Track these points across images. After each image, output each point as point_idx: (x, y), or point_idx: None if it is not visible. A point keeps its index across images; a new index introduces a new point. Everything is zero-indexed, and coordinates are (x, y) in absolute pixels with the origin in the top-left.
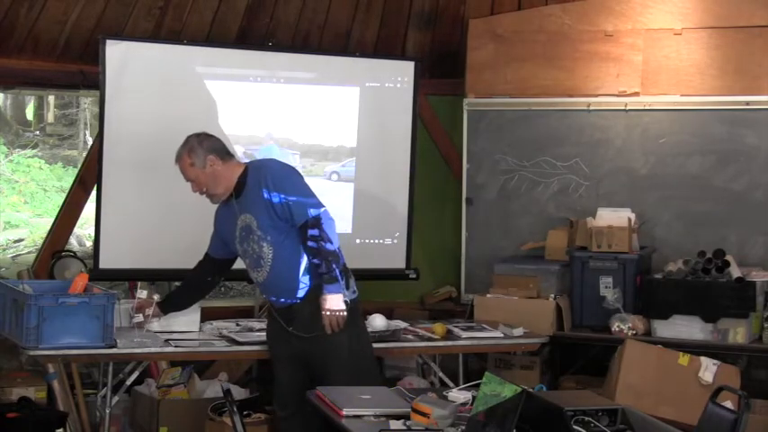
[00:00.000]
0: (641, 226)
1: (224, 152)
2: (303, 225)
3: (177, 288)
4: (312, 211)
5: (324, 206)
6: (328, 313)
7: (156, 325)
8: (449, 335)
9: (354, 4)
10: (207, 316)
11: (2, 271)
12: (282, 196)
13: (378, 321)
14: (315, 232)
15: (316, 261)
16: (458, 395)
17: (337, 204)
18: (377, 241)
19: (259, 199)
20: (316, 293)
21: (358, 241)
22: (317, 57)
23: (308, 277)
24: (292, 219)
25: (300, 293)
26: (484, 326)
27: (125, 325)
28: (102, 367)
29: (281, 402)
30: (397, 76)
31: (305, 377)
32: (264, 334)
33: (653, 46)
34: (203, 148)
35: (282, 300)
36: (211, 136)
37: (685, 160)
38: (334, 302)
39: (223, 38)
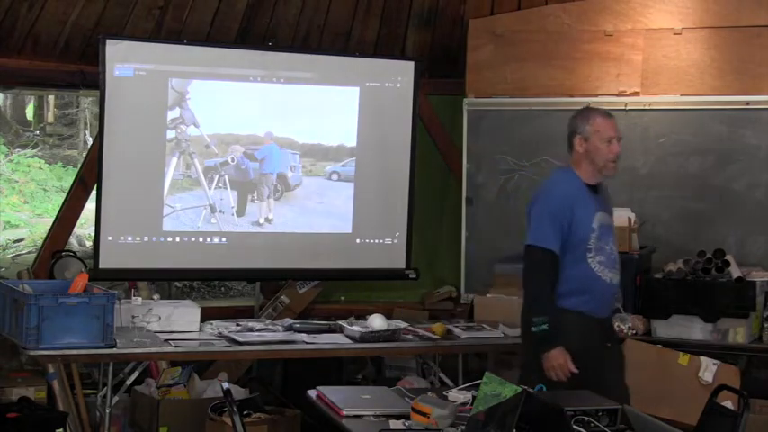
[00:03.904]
0: (641, 226)
1: None
2: None
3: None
4: None
5: None
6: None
7: (155, 325)
8: (449, 335)
9: (354, 4)
10: (207, 316)
11: (2, 271)
12: None
13: (378, 321)
14: None
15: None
16: (458, 395)
17: (337, 204)
18: (377, 241)
19: (612, 210)
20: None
21: (358, 241)
22: (317, 57)
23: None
24: None
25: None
26: (484, 326)
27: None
28: (102, 367)
29: None
30: (397, 76)
31: None
32: (264, 335)
33: (653, 46)
34: None
35: (607, 310)
36: None
37: (685, 160)
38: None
39: (223, 38)
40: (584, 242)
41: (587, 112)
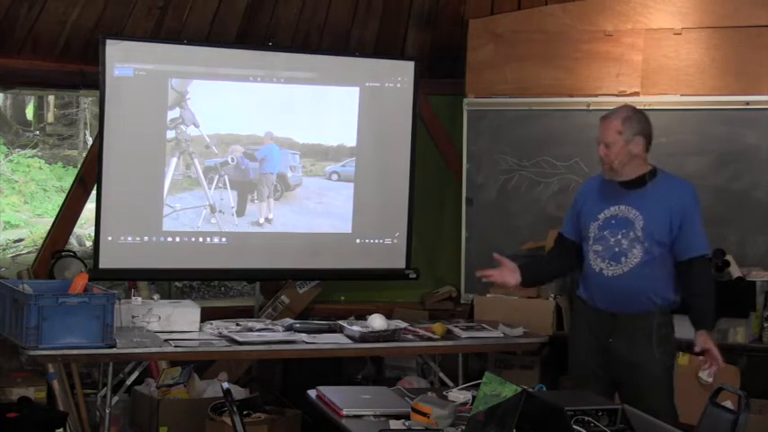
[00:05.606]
0: None
1: (649, 143)
2: (697, 258)
3: (537, 261)
4: (707, 251)
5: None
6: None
7: (155, 325)
8: (449, 335)
9: (354, 4)
10: (207, 316)
11: (2, 271)
12: (689, 225)
13: (378, 321)
14: (707, 271)
15: (698, 295)
16: (458, 395)
17: (337, 204)
18: (377, 241)
19: (665, 209)
20: (661, 315)
21: (358, 241)
22: (317, 57)
23: (659, 297)
24: (684, 247)
25: (643, 307)
26: (484, 326)
27: (125, 325)
28: (102, 367)
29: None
30: (397, 76)
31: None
32: (264, 335)
33: (653, 46)
34: (639, 126)
35: (617, 305)
36: (649, 120)
37: (685, 160)
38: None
39: (223, 38)
40: (587, 231)
41: None
